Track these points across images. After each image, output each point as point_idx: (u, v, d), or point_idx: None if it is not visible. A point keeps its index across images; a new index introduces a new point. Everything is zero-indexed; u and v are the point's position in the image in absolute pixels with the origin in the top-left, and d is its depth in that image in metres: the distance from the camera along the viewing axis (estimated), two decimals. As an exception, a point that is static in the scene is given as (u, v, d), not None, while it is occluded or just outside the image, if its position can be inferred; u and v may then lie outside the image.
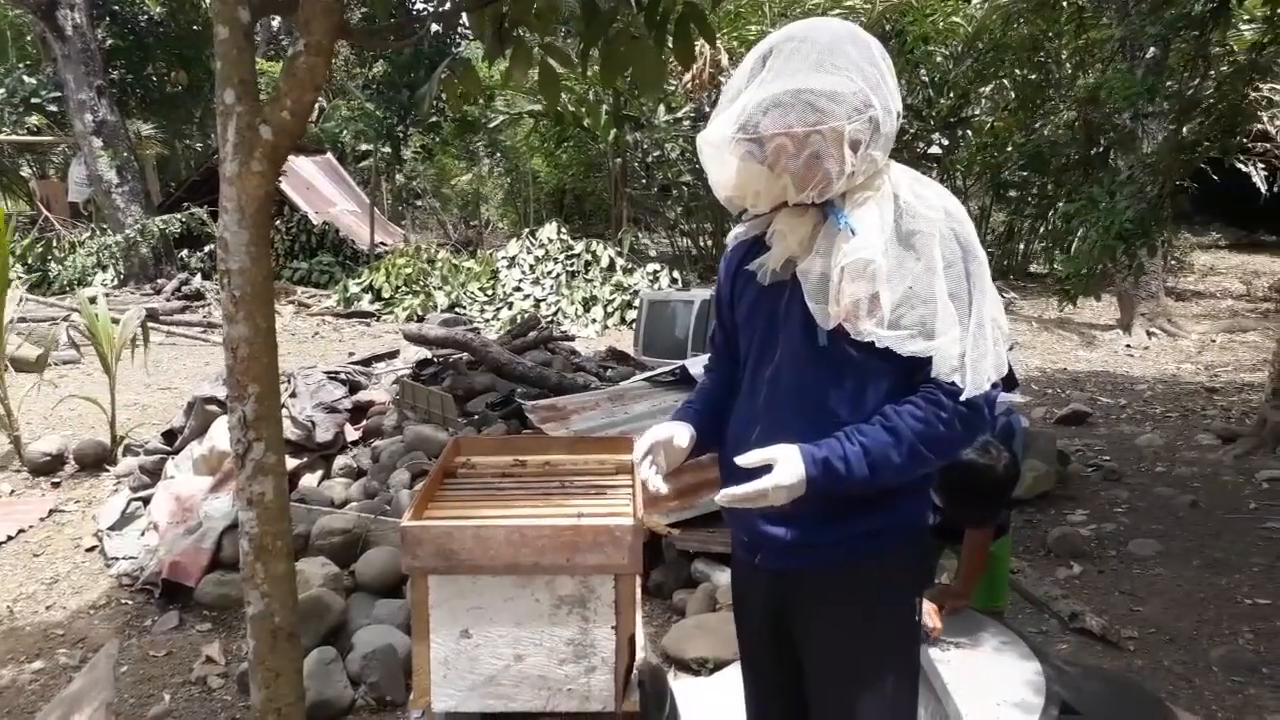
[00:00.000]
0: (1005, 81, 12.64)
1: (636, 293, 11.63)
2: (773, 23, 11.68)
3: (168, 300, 12.61)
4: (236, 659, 3.38)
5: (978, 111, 13.82)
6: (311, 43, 2.01)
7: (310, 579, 3.52)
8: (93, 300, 6.01)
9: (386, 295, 12.88)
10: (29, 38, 17.03)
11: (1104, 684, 2.56)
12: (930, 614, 2.38)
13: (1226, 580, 4.04)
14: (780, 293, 1.62)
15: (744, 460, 1.55)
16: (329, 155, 17.91)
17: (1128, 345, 9.92)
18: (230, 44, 1.99)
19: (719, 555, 3.65)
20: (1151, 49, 7.09)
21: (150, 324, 8.40)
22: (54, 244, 14.38)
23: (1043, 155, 11.58)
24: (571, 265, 13.02)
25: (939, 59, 12.83)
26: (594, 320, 11.78)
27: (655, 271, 12.86)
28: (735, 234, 1.75)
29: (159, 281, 13.78)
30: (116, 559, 4.26)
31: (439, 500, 2.16)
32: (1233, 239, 16.26)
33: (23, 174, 19.33)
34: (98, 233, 14.47)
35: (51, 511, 4.93)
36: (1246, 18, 6.97)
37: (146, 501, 4.70)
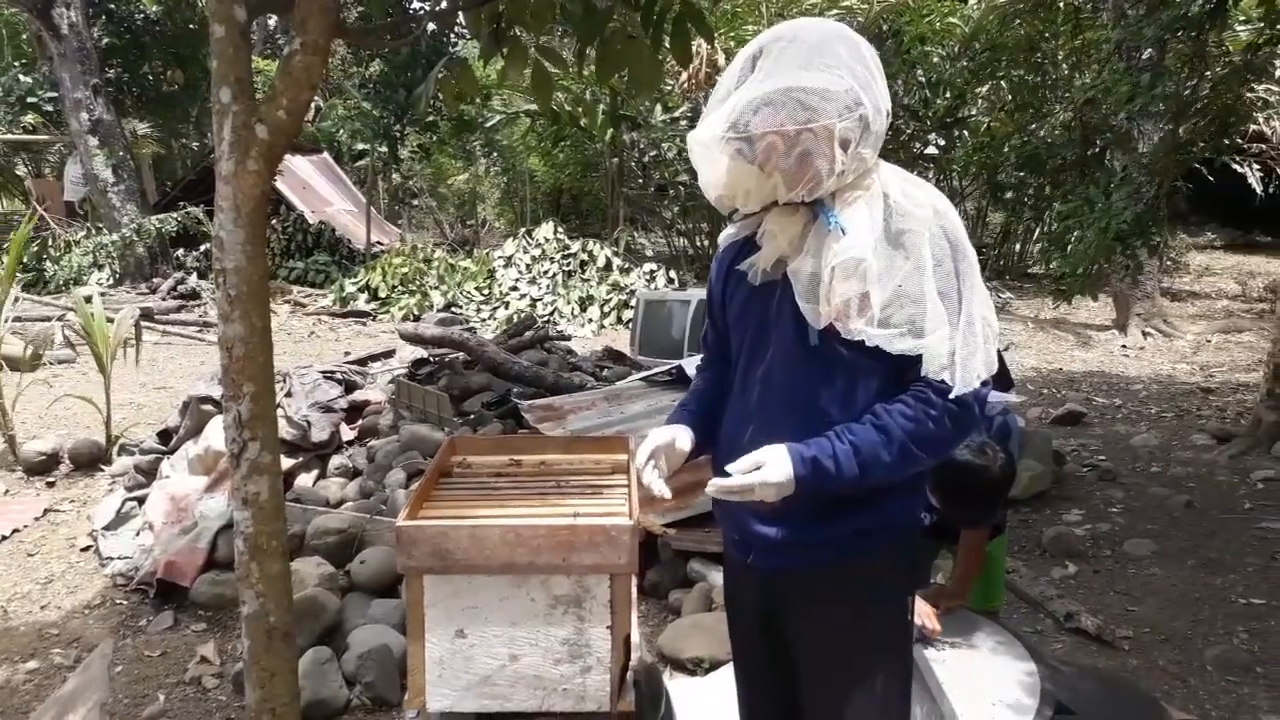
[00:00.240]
0: (1002, 82, 12.66)
1: (633, 292, 11.62)
2: (769, 22, 11.67)
3: (164, 299, 12.59)
4: (231, 659, 3.37)
5: (974, 112, 13.84)
6: (307, 41, 2.01)
7: (305, 579, 3.51)
8: (88, 299, 6.00)
9: (383, 295, 12.86)
10: (24, 36, 16.99)
11: (1099, 684, 2.57)
12: (929, 616, 2.39)
13: (1221, 580, 4.05)
14: (771, 292, 1.62)
15: (734, 469, 1.56)
16: (325, 154, 17.88)
17: (1123, 345, 9.94)
18: (226, 42, 1.99)
19: (715, 555, 3.65)
20: (1148, 50, 7.10)
21: (146, 323, 8.40)
22: (49, 243, 14.35)
23: (1039, 157, 11.60)
24: (568, 265, 13.01)
25: (936, 59, 12.83)
26: (590, 320, 11.77)
27: (652, 271, 12.85)
28: (726, 234, 1.76)
29: (155, 281, 13.74)
30: (111, 559, 4.25)
31: (434, 500, 2.16)
32: (1228, 239, 16.29)
33: (18, 173, 19.30)
34: (93, 232, 14.42)
35: (46, 511, 4.92)
36: (1242, 19, 6.98)
37: (141, 501, 4.69)
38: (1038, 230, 13.91)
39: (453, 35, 13.70)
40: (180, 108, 18.56)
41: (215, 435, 4.67)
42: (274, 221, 14.98)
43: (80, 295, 6.48)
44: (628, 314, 11.01)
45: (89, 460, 5.57)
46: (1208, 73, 5.86)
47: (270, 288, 2.42)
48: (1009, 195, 14.02)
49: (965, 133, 13.74)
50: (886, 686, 1.66)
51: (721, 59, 11.96)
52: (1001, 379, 3.23)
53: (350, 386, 5.48)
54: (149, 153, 18.01)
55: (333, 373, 5.57)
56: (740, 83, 1.52)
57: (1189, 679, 3.25)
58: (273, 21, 17.35)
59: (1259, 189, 11.41)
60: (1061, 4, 8.72)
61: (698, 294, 7.19)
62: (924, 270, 1.50)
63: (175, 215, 14.08)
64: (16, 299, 8.02)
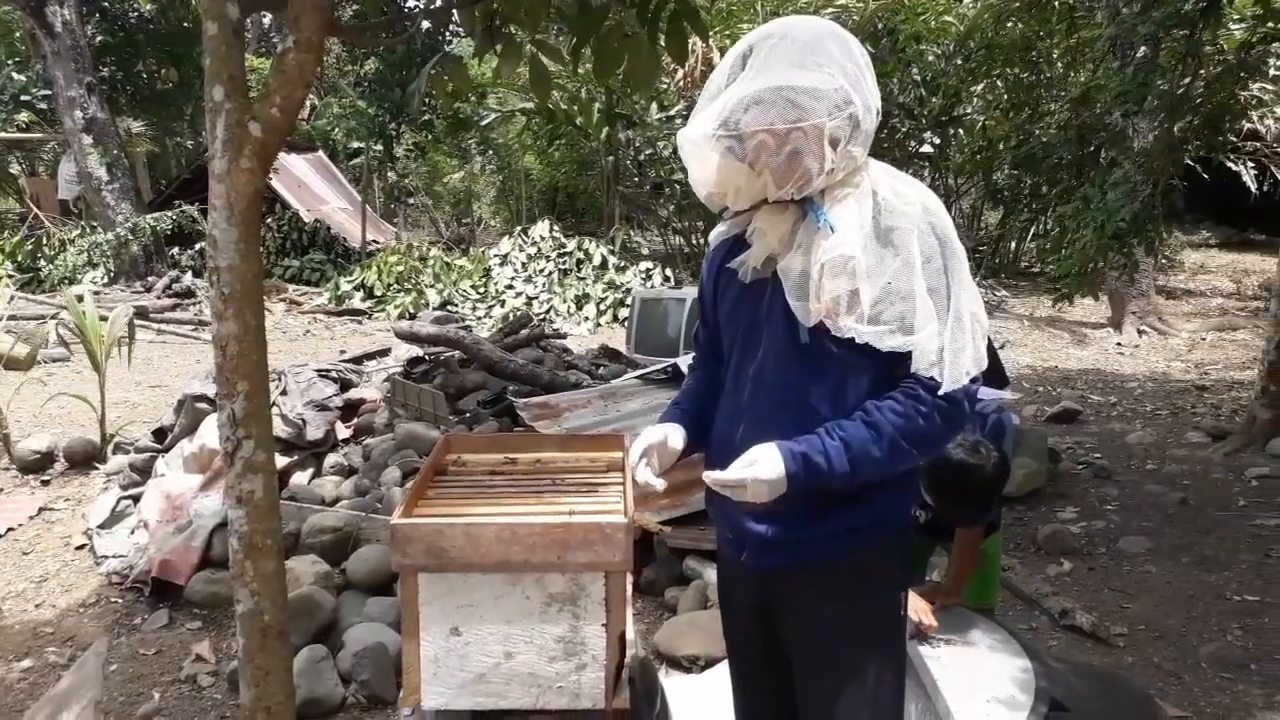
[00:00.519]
0: (997, 81, 12.66)
1: (629, 291, 11.63)
2: (764, 20, 11.64)
3: (158, 298, 12.57)
4: (226, 657, 3.37)
5: (970, 110, 13.84)
6: (301, 39, 2.00)
7: (301, 577, 3.51)
8: (81, 298, 5.98)
9: (378, 293, 12.85)
10: (18, 34, 16.92)
11: (1094, 681, 2.57)
12: (925, 613, 2.39)
13: (1216, 577, 4.06)
14: (762, 290, 1.62)
15: (729, 474, 1.56)
16: (320, 153, 17.85)
17: (1118, 343, 9.96)
18: (219, 40, 1.98)
19: (710, 553, 3.65)
20: (1142, 48, 7.10)
21: (141, 322, 8.38)
22: (44, 242, 14.30)
23: (1035, 156, 11.60)
24: (564, 263, 13.01)
25: (931, 58, 12.83)
26: (586, 318, 11.77)
27: (648, 269, 12.85)
28: (717, 233, 1.76)
29: (150, 279, 13.72)
30: (106, 557, 4.24)
31: (430, 498, 2.16)
32: (1223, 237, 16.32)
33: (12, 171, 19.25)
34: (88, 230, 14.39)
35: (41, 509, 4.91)
36: (1236, 17, 6.99)
37: (136, 499, 4.68)
38: (1033, 229, 13.91)
39: (447, 33, 13.70)
40: (174, 106, 18.53)
41: (210, 433, 4.66)
42: (269, 220, 14.95)
43: (73, 294, 6.47)
44: (623, 312, 11.01)
45: (84, 459, 5.57)
46: (1202, 71, 5.87)
47: (265, 286, 2.41)
48: (1005, 195, 14.02)
49: (960, 131, 13.75)
50: (879, 682, 1.66)
51: (716, 57, 11.95)
52: (997, 376, 3.23)
53: (345, 385, 5.47)
54: (143, 151, 17.98)
55: (328, 371, 5.56)
56: (731, 80, 1.52)
57: (1184, 675, 3.26)
58: (267, 19, 17.33)
59: (1254, 187, 11.44)
60: (1056, 2, 8.71)
61: (693, 292, 7.19)
62: (913, 267, 1.50)
63: (170, 214, 14.05)
64: (11, 298, 8.01)
